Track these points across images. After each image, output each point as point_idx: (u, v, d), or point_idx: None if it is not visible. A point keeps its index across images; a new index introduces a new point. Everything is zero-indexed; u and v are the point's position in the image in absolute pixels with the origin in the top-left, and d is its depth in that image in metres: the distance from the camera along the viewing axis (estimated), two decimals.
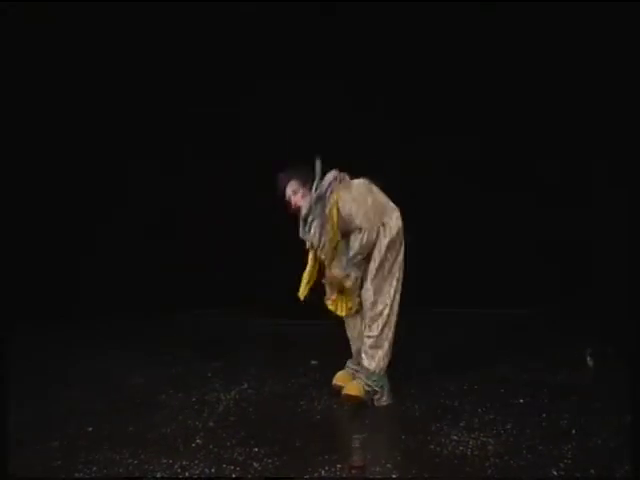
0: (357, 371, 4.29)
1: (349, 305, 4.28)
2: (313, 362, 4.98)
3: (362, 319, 4.27)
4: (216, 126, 6.55)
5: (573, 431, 3.81)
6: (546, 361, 5.02)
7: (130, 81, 6.46)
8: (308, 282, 4.31)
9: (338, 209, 4.12)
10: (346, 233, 4.18)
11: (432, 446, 3.66)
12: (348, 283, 4.18)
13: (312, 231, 4.21)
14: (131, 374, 4.90)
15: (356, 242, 4.14)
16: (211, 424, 4.00)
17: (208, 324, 6.18)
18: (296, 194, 4.23)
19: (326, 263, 4.26)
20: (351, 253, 4.15)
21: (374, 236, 4.13)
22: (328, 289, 4.33)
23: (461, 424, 3.93)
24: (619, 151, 5.73)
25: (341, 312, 4.31)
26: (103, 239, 6.70)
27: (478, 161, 6.33)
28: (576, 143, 6.19)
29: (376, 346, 4.18)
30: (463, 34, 6.14)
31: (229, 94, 6.45)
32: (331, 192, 4.14)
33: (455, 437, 3.76)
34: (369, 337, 4.18)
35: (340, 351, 4.53)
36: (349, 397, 4.18)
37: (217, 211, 6.57)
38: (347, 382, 4.29)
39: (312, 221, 4.20)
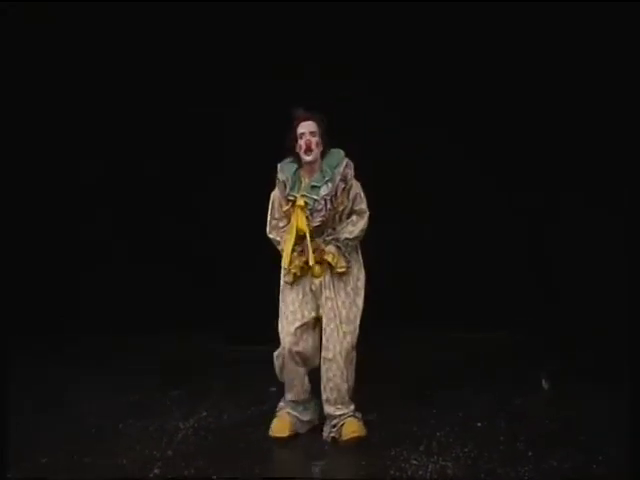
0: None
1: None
2: (272, 389, 4.96)
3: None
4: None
5: (529, 453, 3.87)
6: (503, 385, 5.08)
7: (132, 82, 6.34)
8: (292, 249, 4.05)
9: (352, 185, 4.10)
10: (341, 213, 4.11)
11: (392, 471, 3.68)
12: (342, 263, 4.05)
13: (323, 191, 4.01)
14: (87, 401, 4.81)
15: (359, 223, 4.09)
16: (170, 453, 3.95)
17: (167, 351, 6.12)
18: (314, 136, 4.02)
19: (309, 232, 4.00)
20: (349, 235, 4.07)
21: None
22: (302, 258, 4.06)
23: (420, 448, 3.96)
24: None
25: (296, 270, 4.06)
26: (64, 260, 6.59)
27: (455, 184, 6.35)
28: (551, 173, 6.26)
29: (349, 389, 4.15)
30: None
31: (217, 98, 6.36)
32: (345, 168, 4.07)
33: (415, 461, 3.78)
34: (348, 389, 4.12)
35: None
36: (360, 438, 4.07)
37: (180, 235, 6.53)
38: (287, 431, 4.13)
39: (327, 181, 4.03)
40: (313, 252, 4.03)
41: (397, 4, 6.01)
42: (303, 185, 4.07)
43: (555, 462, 3.74)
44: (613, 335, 5.15)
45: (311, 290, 4.12)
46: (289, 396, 4.23)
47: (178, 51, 6.28)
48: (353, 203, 4.11)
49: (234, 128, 6.38)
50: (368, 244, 4.29)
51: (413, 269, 6.30)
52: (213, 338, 6.27)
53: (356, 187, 4.12)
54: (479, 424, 4.32)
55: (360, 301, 4.14)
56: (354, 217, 4.13)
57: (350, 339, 4.07)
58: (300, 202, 4.02)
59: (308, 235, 4.02)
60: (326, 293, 4.08)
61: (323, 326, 4.10)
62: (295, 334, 4.08)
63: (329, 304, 4.07)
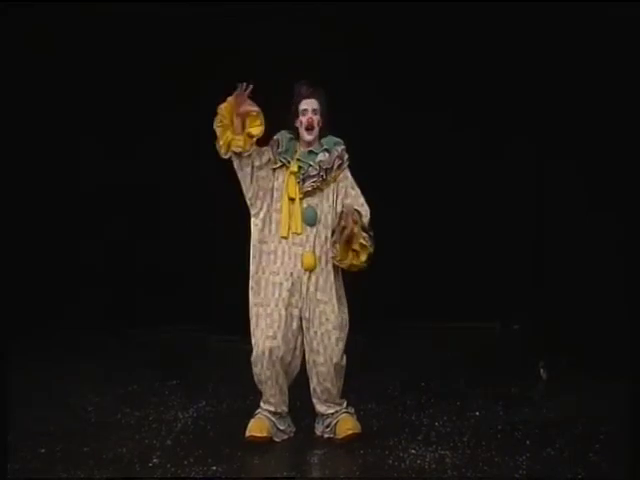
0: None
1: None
2: None
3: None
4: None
5: (527, 442, 3.89)
6: (501, 374, 5.10)
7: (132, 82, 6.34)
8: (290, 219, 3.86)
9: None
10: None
11: (390, 460, 3.69)
12: (363, 257, 3.82)
13: (320, 157, 3.88)
14: (86, 392, 4.81)
15: (364, 209, 3.93)
16: (169, 443, 3.96)
17: (165, 341, 6.13)
18: (316, 114, 3.89)
19: (298, 198, 3.85)
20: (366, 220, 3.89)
21: None
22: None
23: (419, 438, 3.97)
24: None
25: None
26: (61, 254, 6.58)
27: (443, 176, 6.36)
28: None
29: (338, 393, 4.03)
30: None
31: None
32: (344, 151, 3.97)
33: (413, 451, 3.79)
34: (339, 390, 3.99)
35: None
36: (356, 435, 3.94)
37: (175, 227, 6.52)
38: (264, 432, 3.90)
39: (326, 149, 3.91)
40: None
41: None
42: (298, 153, 3.93)
43: (553, 451, 3.76)
44: (611, 325, 5.16)
45: (293, 282, 3.88)
46: (267, 406, 4.00)
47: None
48: (346, 191, 3.94)
49: None
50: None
51: (412, 262, 6.31)
52: (211, 328, 6.28)
53: (349, 176, 3.98)
54: (477, 413, 4.34)
55: (346, 309, 3.98)
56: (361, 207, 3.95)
57: (342, 346, 3.92)
58: (293, 168, 3.88)
59: (298, 200, 3.85)
60: (318, 295, 3.88)
61: (312, 328, 3.89)
62: (275, 336, 3.87)
63: (321, 307, 3.87)
